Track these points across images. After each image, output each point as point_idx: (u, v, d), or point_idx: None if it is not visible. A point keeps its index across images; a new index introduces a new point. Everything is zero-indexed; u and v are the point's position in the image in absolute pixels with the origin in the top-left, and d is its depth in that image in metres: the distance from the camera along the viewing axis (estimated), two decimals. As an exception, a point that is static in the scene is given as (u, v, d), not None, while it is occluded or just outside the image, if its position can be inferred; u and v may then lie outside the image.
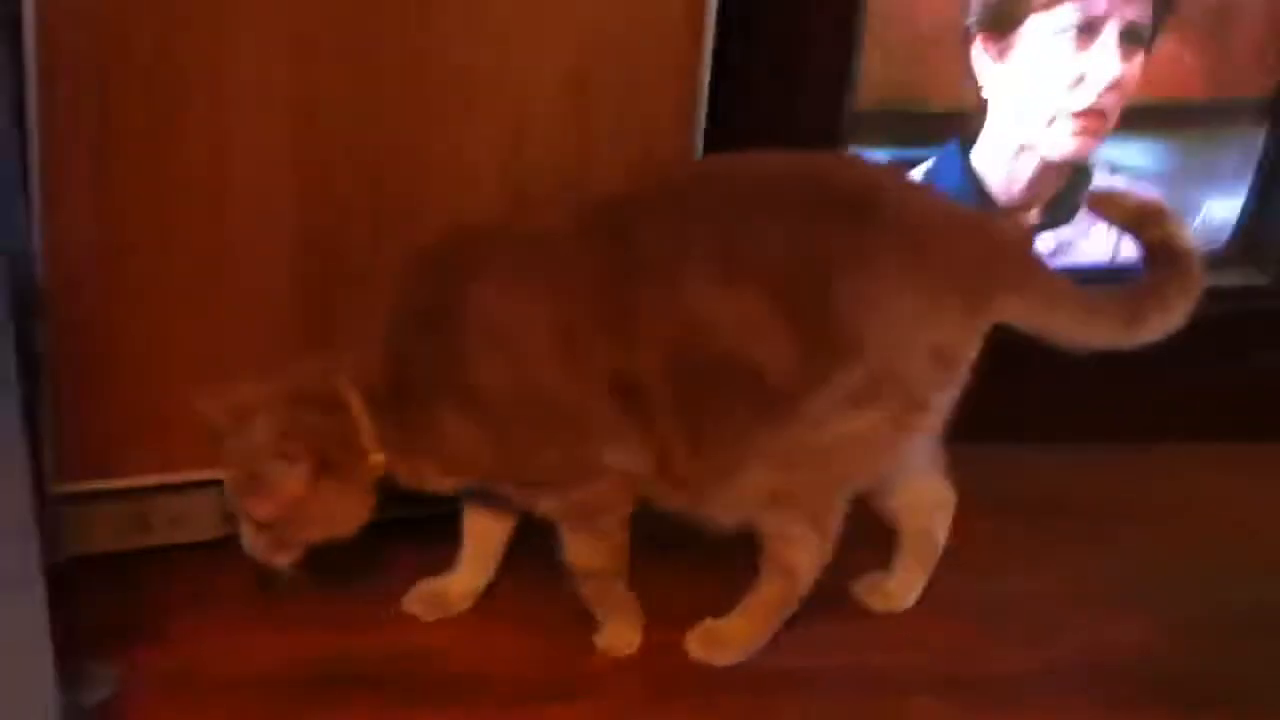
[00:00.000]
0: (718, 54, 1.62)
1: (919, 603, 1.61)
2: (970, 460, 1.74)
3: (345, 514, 1.41)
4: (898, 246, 1.38)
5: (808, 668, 1.49)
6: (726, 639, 1.49)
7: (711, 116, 1.66)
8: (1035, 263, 1.49)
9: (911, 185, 1.48)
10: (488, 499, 1.51)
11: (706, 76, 1.63)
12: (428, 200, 1.56)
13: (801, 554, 1.46)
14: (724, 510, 1.44)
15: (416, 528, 1.56)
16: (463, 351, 1.38)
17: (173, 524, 1.59)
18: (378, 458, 1.40)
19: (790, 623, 1.51)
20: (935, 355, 1.39)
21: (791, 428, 1.39)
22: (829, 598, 1.56)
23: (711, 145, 1.66)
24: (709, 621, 1.51)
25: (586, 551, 1.48)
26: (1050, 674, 1.52)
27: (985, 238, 1.45)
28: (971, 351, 1.42)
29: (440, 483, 1.45)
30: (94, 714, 1.33)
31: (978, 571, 1.68)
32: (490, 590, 1.54)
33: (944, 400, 1.44)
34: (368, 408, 1.39)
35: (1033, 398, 1.84)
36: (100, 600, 1.49)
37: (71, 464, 1.50)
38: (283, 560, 1.42)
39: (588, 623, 1.53)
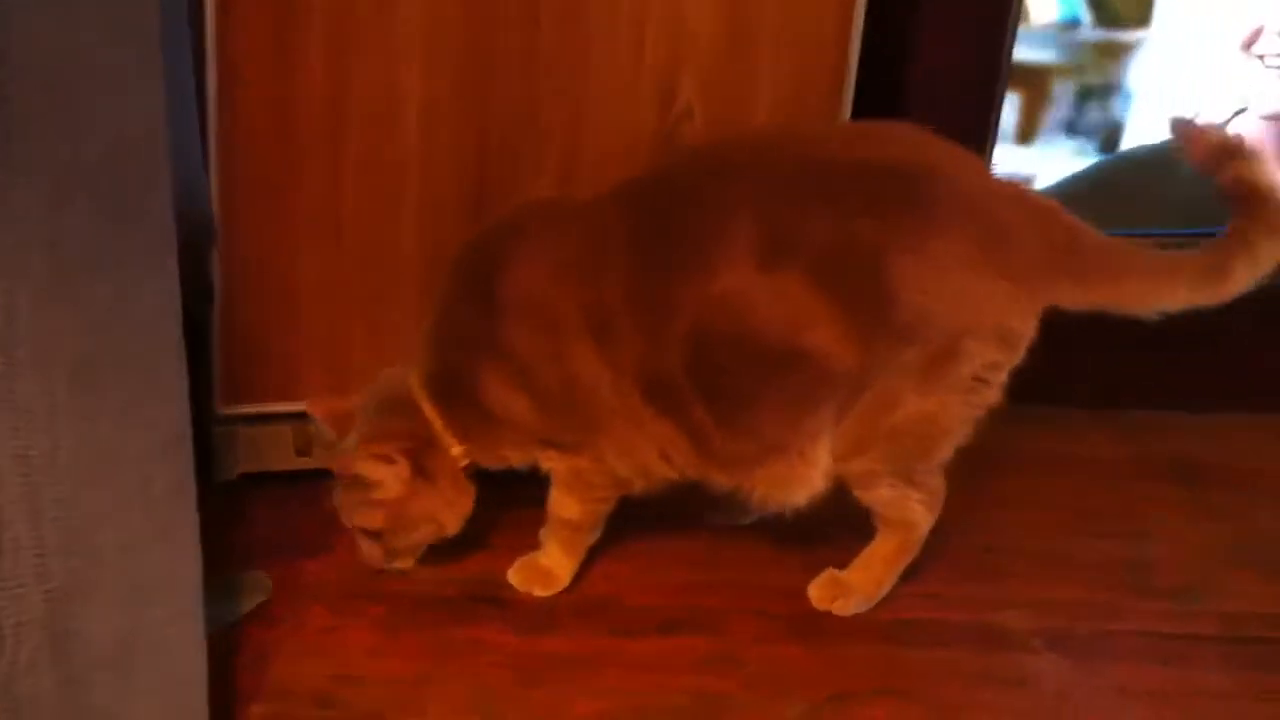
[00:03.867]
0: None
1: (1057, 562, 1.61)
2: (1122, 424, 1.74)
3: (448, 510, 1.47)
4: (955, 225, 1.35)
5: (933, 620, 1.51)
6: (849, 588, 1.51)
7: (870, 42, 1.65)
8: (1093, 240, 1.41)
9: (969, 161, 1.43)
10: None
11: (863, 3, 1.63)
12: (584, 137, 1.61)
13: (908, 509, 1.47)
14: (785, 489, 1.45)
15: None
16: (501, 322, 1.41)
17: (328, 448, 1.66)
18: (457, 449, 1.45)
19: (916, 578, 1.53)
20: (997, 334, 1.37)
21: (856, 409, 1.39)
22: (959, 556, 1.59)
23: (869, 76, 1.66)
24: (831, 571, 1.53)
25: (571, 509, 1.51)
26: (1185, 637, 1.50)
27: (1041, 219, 1.40)
28: (1031, 330, 1.39)
29: (520, 456, 1.49)
30: (250, 617, 1.43)
31: (1122, 535, 1.68)
32: (622, 527, 1.57)
33: (1004, 377, 1.41)
34: (434, 402, 1.45)
35: (1188, 364, 1.82)
36: (267, 514, 1.61)
37: (242, 388, 1.60)
38: (404, 565, 1.50)
39: (714, 562, 1.59)
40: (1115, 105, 2.36)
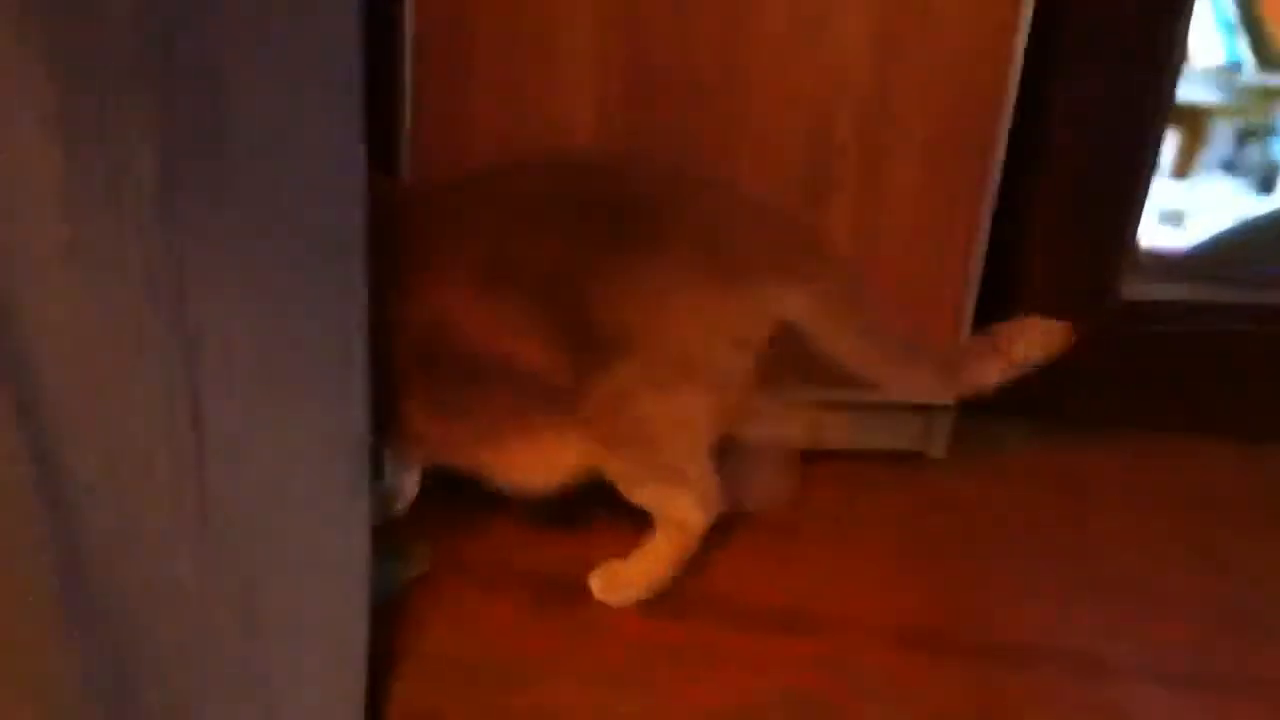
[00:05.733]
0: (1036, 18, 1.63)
1: (1153, 596, 1.63)
2: (1244, 458, 1.77)
3: None
4: (675, 244, 1.42)
5: (1030, 644, 1.53)
6: (625, 580, 1.56)
7: (1027, 83, 1.67)
8: (836, 268, 1.50)
9: (700, 183, 1.49)
10: None
11: (1022, 43, 1.65)
12: (739, 173, 1.69)
13: (678, 509, 1.53)
14: (520, 475, 1.52)
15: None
16: None
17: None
18: None
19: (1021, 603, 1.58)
20: (729, 340, 1.45)
21: (593, 409, 1.45)
22: (1064, 585, 1.63)
23: (1025, 116, 1.69)
24: (612, 561, 1.57)
25: None
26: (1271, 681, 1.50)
27: (778, 230, 1.48)
28: (766, 329, 1.46)
29: None
30: (409, 587, 1.55)
31: (1236, 572, 1.70)
32: (742, 524, 1.65)
33: (748, 375, 1.47)
34: None
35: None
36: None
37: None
38: None
39: (827, 566, 1.66)
40: (1272, 146, 2.39)
